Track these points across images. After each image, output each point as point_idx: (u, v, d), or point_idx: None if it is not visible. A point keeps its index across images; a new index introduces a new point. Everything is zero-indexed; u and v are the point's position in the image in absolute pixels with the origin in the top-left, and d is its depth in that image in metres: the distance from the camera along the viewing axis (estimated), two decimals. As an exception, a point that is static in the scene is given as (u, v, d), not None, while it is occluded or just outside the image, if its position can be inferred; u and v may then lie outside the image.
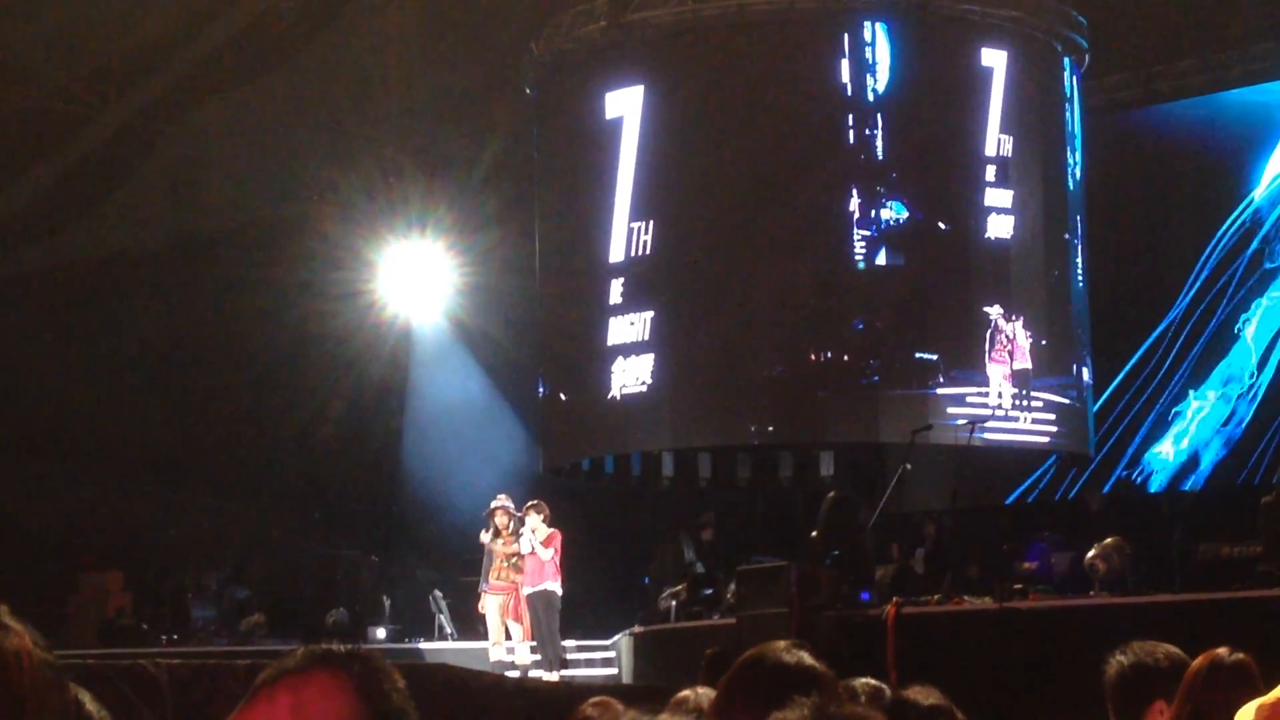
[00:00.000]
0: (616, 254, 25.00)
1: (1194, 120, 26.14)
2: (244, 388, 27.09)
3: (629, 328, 24.82)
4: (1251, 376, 25.21)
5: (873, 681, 5.00)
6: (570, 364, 25.77)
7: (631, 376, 24.72)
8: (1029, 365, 24.39)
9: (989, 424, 23.48)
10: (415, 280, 28.09)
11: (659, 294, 24.68)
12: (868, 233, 23.98)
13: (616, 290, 24.97)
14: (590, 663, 22.98)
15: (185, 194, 28.20)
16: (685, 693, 5.09)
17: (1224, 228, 25.51)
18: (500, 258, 27.68)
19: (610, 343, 24.95)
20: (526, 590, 20.47)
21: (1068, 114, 25.48)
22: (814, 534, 18.73)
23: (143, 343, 26.98)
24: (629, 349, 24.79)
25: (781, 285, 24.19)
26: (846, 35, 24.28)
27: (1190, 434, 25.60)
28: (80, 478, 25.66)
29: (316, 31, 27.07)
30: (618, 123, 25.09)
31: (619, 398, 24.87)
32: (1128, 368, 26.06)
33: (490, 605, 20.82)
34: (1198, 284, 25.63)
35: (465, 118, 28.20)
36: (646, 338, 24.65)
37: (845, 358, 24.03)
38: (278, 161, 27.41)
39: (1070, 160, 25.41)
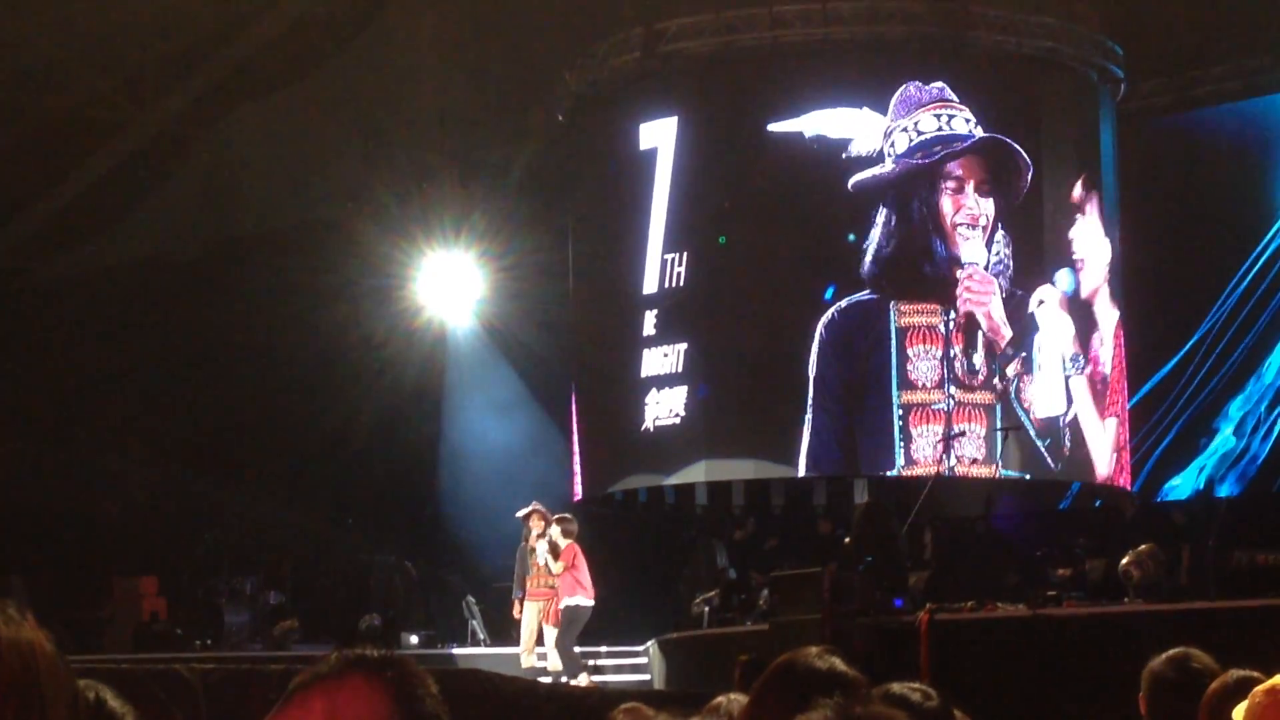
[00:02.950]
0: (650, 285, 24.95)
1: (1229, 126, 26.01)
2: (279, 392, 27.14)
3: (662, 359, 24.77)
4: (1269, 409, 24.98)
5: (920, 685, 4.96)
6: (603, 395, 25.72)
7: (665, 408, 24.67)
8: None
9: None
10: (449, 285, 28.12)
11: (692, 326, 24.63)
12: None
13: (650, 322, 24.91)
14: (623, 669, 22.98)
15: (220, 199, 28.30)
16: (719, 699, 5.08)
17: (1260, 239, 25.32)
18: (534, 263, 27.69)
19: (644, 374, 24.90)
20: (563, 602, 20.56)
21: (1107, 174, 25.44)
22: (847, 540, 18.72)
23: (177, 347, 27.07)
24: (662, 381, 24.73)
25: (815, 318, 24.16)
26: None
27: (1206, 468, 25.45)
28: (114, 482, 25.77)
29: (351, 37, 27.15)
30: (652, 153, 25.05)
31: (652, 429, 24.83)
32: (1160, 375, 25.92)
33: (528, 611, 20.84)
34: (1232, 300, 25.41)
35: (500, 123, 28.24)
36: (680, 369, 24.60)
37: (879, 391, 23.98)
38: (312, 166, 27.49)
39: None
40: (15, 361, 26.17)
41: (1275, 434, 24.81)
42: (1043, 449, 24.11)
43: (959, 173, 24.12)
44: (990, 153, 24.18)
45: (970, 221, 24.02)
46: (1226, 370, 25.30)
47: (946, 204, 24.06)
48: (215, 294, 27.55)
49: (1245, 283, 25.32)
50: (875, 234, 23.97)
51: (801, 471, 24.22)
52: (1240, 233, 25.57)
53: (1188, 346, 25.64)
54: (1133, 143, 26.05)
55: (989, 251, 24.10)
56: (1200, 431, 25.45)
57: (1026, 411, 23.94)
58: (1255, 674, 5.33)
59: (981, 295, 23.98)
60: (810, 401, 23.92)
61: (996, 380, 23.96)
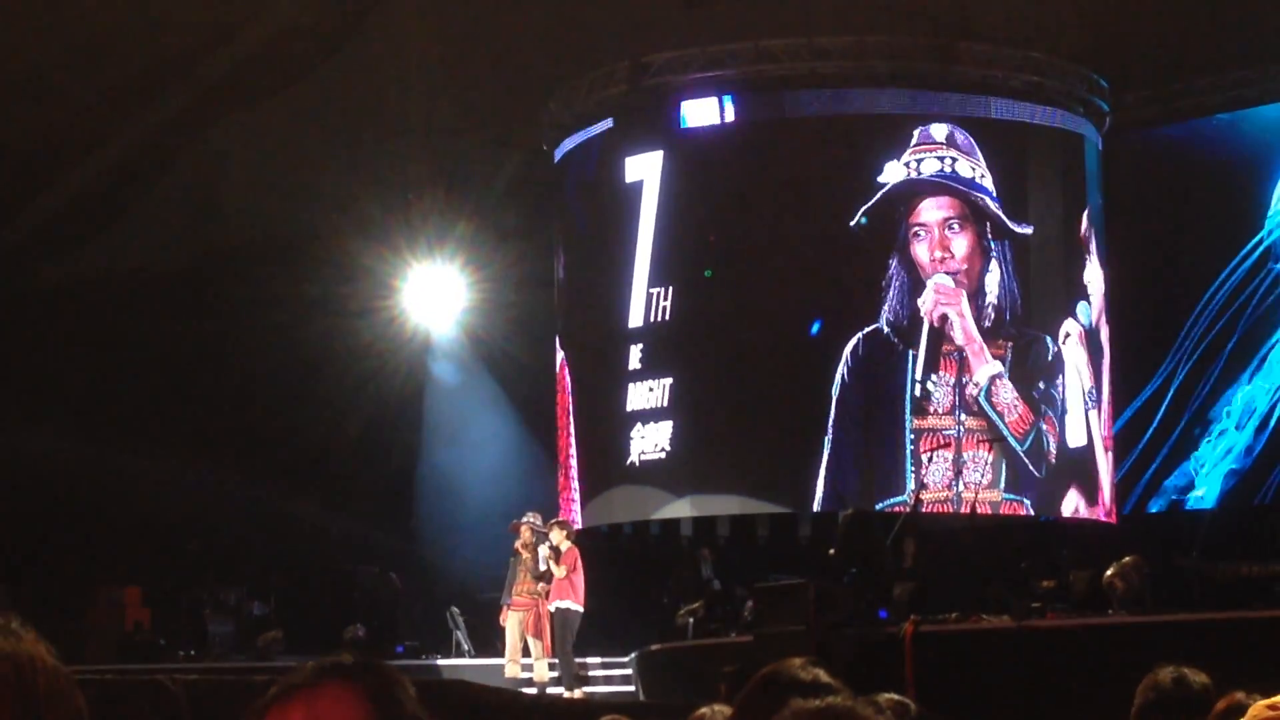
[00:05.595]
0: (636, 319, 24.91)
1: (1214, 139, 26.07)
2: (263, 403, 27.12)
3: (648, 394, 24.72)
4: (1270, 401, 25.00)
5: (895, 696, 4.97)
6: (588, 428, 25.68)
7: (650, 443, 24.62)
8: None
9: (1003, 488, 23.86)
10: (434, 296, 28.12)
11: (678, 360, 24.58)
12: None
13: (635, 356, 24.87)
14: (608, 679, 22.97)
15: (205, 209, 28.27)
16: (702, 710, 5.07)
17: (1244, 249, 25.37)
18: (519, 273, 27.70)
19: (629, 408, 24.86)
20: (549, 607, 20.55)
21: (1094, 201, 25.50)
22: (831, 551, 18.72)
23: (162, 357, 27.03)
24: (648, 415, 24.69)
25: (801, 353, 24.14)
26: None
27: (1204, 463, 25.46)
28: (98, 492, 25.72)
29: (336, 48, 27.13)
30: (637, 186, 25.00)
31: (637, 464, 24.78)
32: (1148, 391, 25.93)
33: (511, 621, 20.85)
34: (1214, 306, 25.45)
35: (485, 134, 28.23)
36: (665, 404, 24.55)
37: (876, 424, 23.99)
38: (298, 176, 27.46)
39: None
40: (-1, 371, 26.15)
41: (1272, 426, 24.81)
42: (1023, 455, 24.09)
43: (922, 218, 24.13)
44: (953, 192, 24.24)
45: (944, 264, 24.02)
46: (1212, 376, 25.34)
47: (921, 252, 24.09)
48: (200, 304, 27.52)
49: (1225, 290, 25.36)
50: (892, 285, 24.01)
51: (817, 503, 24.07)
52: (1223, 243, 25.60)
53: (1176, 354, 25.67)
54: (1117, 155, 26.10)
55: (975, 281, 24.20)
56: (1199, 435, 25.48)
57: (1005, 423, 23.93)
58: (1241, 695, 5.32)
59: (950, 299, 23.99)
60: (831, 424, 23.83)
61: (977, 397, 23.98)
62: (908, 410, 23.81)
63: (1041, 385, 24.37)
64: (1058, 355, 24.61)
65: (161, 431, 26.77)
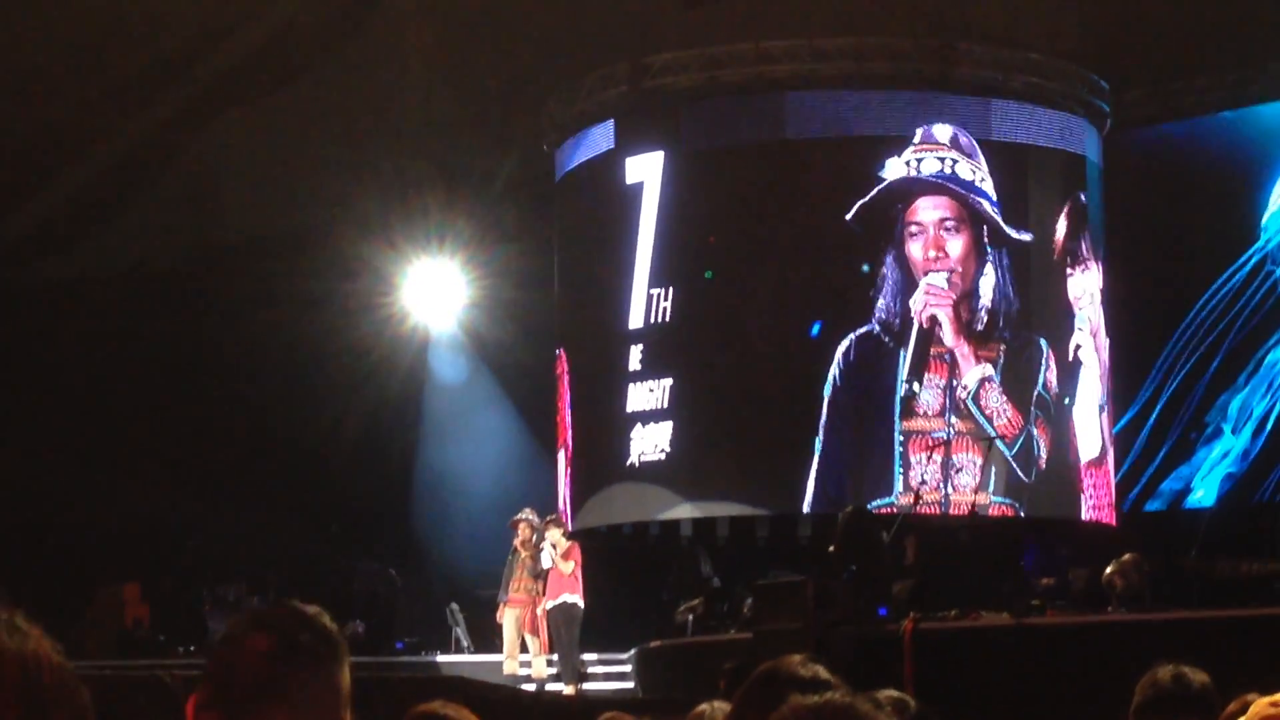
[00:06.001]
0: (636, 320, 24.90)
1: (1214, 138, 26.01)
2: (262, 400, 27.13)
3: (648, 395, 24.70)
4: (1267, 405, 24.97)
5: (895, 693, 4.97)
6: (588, 428, 25.67)
7: (650, 444, 24.60)
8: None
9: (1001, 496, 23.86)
10: (433, 293, 28.12)
11: (679, 361, 24.56)
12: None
13: (635, 357, 24.85)
14: (607, 676, 22.97)
15: (204, 206, 28.27)
16: (703, 706, 5.07)
17: (1244, 254, 25.31)
18: (519, 270, 27.70)
19: (629, 409, 24.85)
20: (547, 604, 20.51)
21: (1094, 205, 25.47)
22: (831, 548, 18.72)
23: (161, 354, 27.04)
24: (648, 416, 24.67)
25: (801, 355, 24.13)
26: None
27: (1200, 466, 25.44)
28: (98, 488, 25.74)
29: (336, 44, 27.14)
30: (638, 188, 24.99)
31: (637, 465, 24.76)
32: (1145, 393, 25.91)
33: (508, 617, 20.86)
34: (1210, 309, 25.39)
35: (484, 131, 28.23)
36: (665, 405, 24.54)
37: (866, 425, 23.96)
38: (297, 174, 27.46)
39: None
40: (-2, 369, 26.16)
41: (1269, 429, 24.77)
42: (1010, 458, 24.04)
43: (919, 217, 24.14)
44: (951, 193, 24.24)
45: (937, 264, 24.00)
46: (1207, 378, 25.29)
47: (916, 251, 24.08)
48: (199, 301, 27.54)
49: (1224, 294, 25.32)
50: (886, 282, 23.96)
51: (807, 504, 24.05)
52: (1222, 245, 25.53)
53: (1171, 355, 25.65)
54: (1116, 153, 26.06)
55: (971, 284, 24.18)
56: (1195, 439, 25.44)
57: (993, 426, 23.88)
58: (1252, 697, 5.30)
59: (941, 299, 23.95)
60: (823, 425, 23.81)
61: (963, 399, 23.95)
62: (897, 411, 23.79)
63: (1038, 391, 24.31)
64: (1075, 364, 24.57)
65: (160, 427, 26.80)
